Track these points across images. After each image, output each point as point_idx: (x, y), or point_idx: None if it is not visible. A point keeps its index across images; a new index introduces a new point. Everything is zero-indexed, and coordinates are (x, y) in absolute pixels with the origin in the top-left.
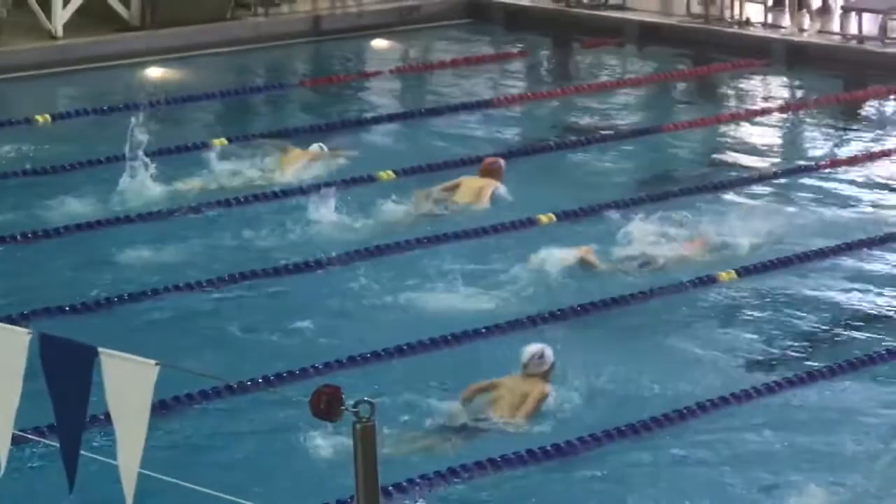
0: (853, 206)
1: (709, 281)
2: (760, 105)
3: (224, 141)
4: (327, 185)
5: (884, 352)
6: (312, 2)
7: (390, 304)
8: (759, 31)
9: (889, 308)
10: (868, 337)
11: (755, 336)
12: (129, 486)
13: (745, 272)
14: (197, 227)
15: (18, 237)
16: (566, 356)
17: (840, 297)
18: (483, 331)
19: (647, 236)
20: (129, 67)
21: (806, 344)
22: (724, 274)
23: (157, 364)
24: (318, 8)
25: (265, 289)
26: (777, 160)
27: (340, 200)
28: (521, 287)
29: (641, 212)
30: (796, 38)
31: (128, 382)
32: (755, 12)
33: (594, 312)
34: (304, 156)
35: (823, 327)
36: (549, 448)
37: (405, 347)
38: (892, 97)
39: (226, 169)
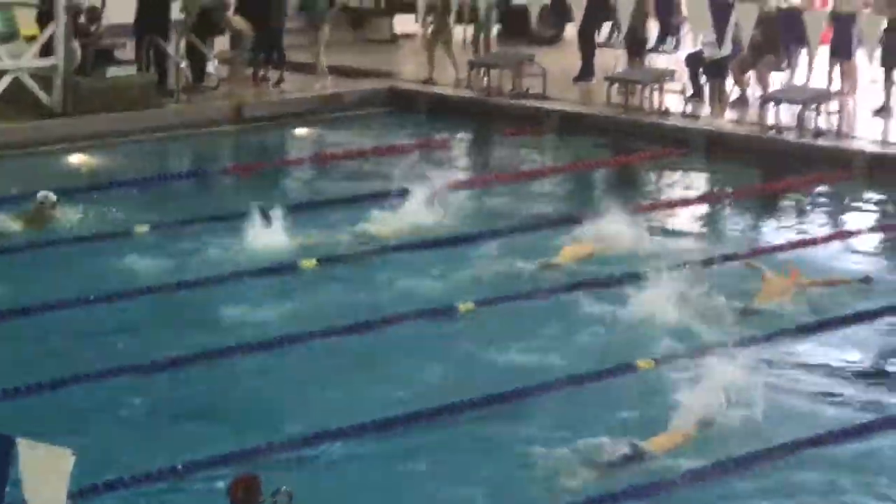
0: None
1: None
2: (679, 194)
3: (146, 228)
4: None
5: None
6: (235, 89)
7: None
8: (678, 121)
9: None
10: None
11: None
12: None
13: (662, 360)
14: (120, 313)
15: None
16: None
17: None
18: None
19: None
20: (50, 154)
21: None
22: (641, 362)
23: (73, 454)
24: (240, 95)
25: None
26: (696, 248)
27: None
28: None
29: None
30: (714, 128)
31: (44, 471)
32: (674, 102)
33: None
34: None
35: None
36: None
37: None
38: (808, 187)
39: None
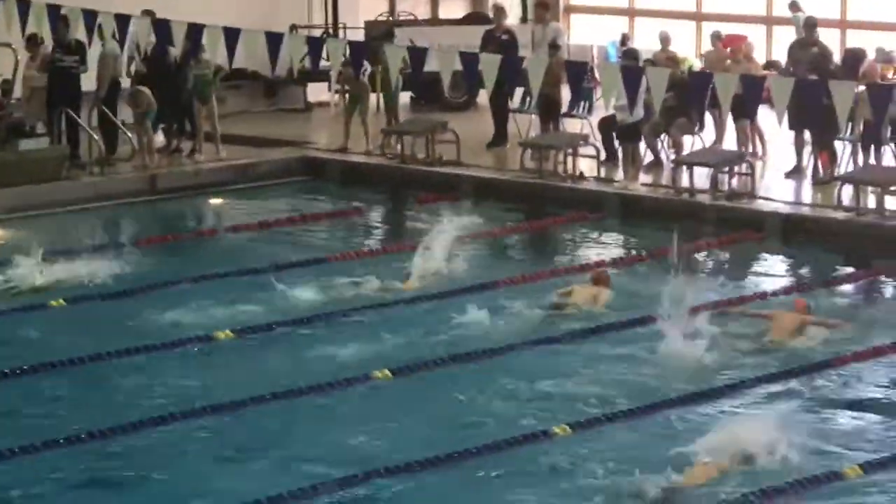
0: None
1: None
2: (595, 257)
3: (62, 301)
4: None
5: None
6: (149, 160)
7: None
8: (593, 185)
9: None
10: None
11: None
12: None
13: (578, 426)
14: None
15: None
16: None
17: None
18: None
19: None
20: None
21: None
22: (557, 429)
23: None
24: (154, 166)
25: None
26: (611, 311)
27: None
28: None
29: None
30: (629, 192)
31: None
32: (588, 167)
33: None
34: None
35: None
36: None
37: None
38: (722, 248)
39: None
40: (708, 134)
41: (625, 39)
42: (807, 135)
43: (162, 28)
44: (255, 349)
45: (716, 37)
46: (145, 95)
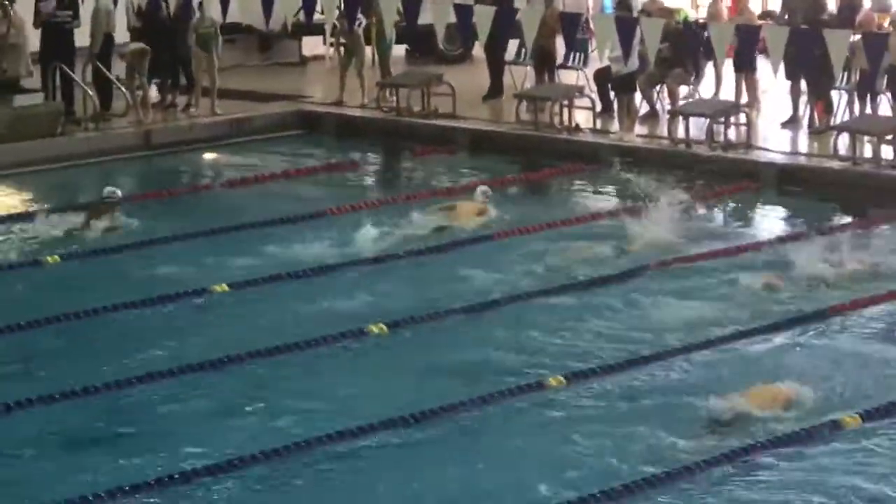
0: (683, 306)
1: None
2: (592, 209)
3: (56, 258)
4: None
5: None
6: (143, 116)
7: None
8: (589, 137)
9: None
10: None
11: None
12: None
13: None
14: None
15: None
16: None
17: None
18: None
19: None
20: None
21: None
22: (553, 379)
23: None
24: (149, 122)
25: None
26: (610, 263)
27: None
28: None
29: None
30: (625, 143)
31: None
32: (584, 118)
33: None
34: None
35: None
36: None
37: None
38: (718, 198)
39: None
40: (706, 84)
41: None
42: (803, 85)
43: None
44: (253, 303)
45: None
46: (135, 48)
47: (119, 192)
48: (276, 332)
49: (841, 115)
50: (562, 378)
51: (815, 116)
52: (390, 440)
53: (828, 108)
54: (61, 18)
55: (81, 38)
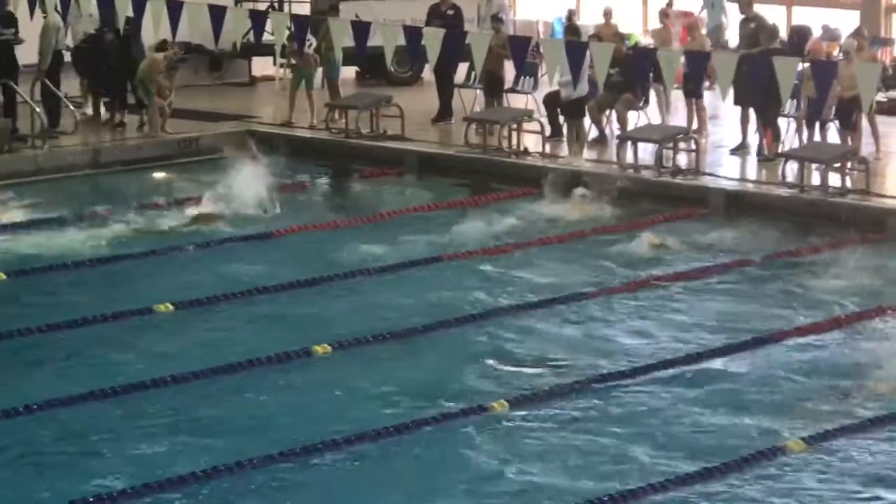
0: (630, 333)
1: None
2: (538, 232)
3: (2, 276)
4: None
5: None
6: (91, 134)
7: None
8: (538, 161)
9: None
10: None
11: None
12: None
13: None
14: None
15: None
16: None
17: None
18: None
19: None
20: None
21: None
22: (496, 405)
23: None
24: (97, 140)
25: None
26: (552, 286)
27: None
28: None
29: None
30: (573, 167)
31: None
32: (532, 142)
33: None
34: None
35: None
36: None
37: None
38: (666, 224)
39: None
40: (654, 110)
41: (571, 15)
42: (752, 111)
43: (105, 1)
44: (196, 322)
45: (663, 14)
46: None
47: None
48: (219, 350)
49: (789, 142)
50: (504, 402)
51: (764, 143)
52: (333, 459)
53: (776, 136)
54: (7, 35)
55: (30, 55)
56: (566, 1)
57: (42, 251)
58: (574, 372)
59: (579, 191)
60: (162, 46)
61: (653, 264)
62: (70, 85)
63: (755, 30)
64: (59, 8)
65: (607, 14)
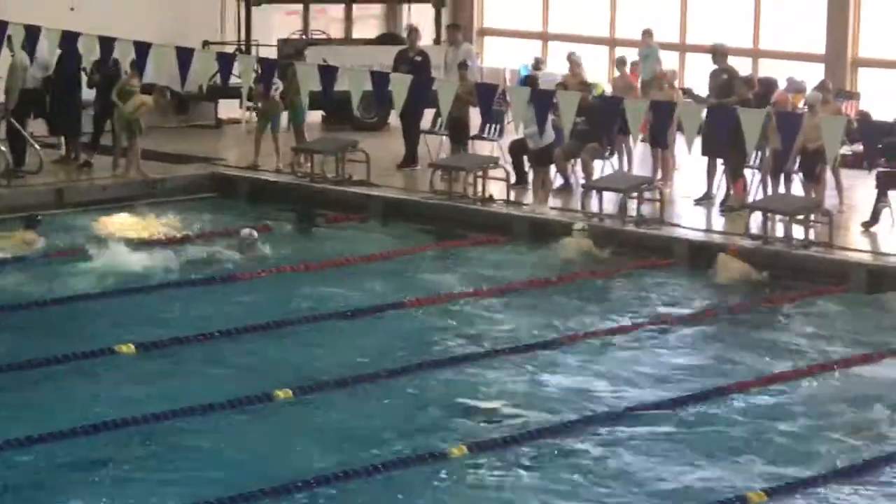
0: (599, 378)
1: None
2: (504, 279)
3: None
4: None
5: None
6: (57, 175)
7: None
8: (502, 208)
9: None
10: None
11: None
12: None
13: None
14: None
15: None
16: None
17: None
18: None
19: None
20: None
21: None
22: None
23: None
24: (62, 180)
25: None
26: (521, 334)
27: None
28: None
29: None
30: (538, 215)
31: None
32: (498, 189)
33: None
34: None
35: None
36: None
37: None
38: (630, 271)
39: None
40: (621, 159)
41: (538, 63)
42: (719, 162)
43: (70, 40)
44: (160, 364)
45: (621, 62)
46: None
47: (255, 234)
48: (180, 393)
49: (754, 193)
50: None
51: (731, 194)
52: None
53: (744, 186)
54: None
55: None
56: (532, 49)
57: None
58: (537, 418)
59: (578, 225)
60: (147, 90)
61: (616, 311)
62: (36, 124)
63: (727, 80)
64: (26, 47)
65: (574, 63)
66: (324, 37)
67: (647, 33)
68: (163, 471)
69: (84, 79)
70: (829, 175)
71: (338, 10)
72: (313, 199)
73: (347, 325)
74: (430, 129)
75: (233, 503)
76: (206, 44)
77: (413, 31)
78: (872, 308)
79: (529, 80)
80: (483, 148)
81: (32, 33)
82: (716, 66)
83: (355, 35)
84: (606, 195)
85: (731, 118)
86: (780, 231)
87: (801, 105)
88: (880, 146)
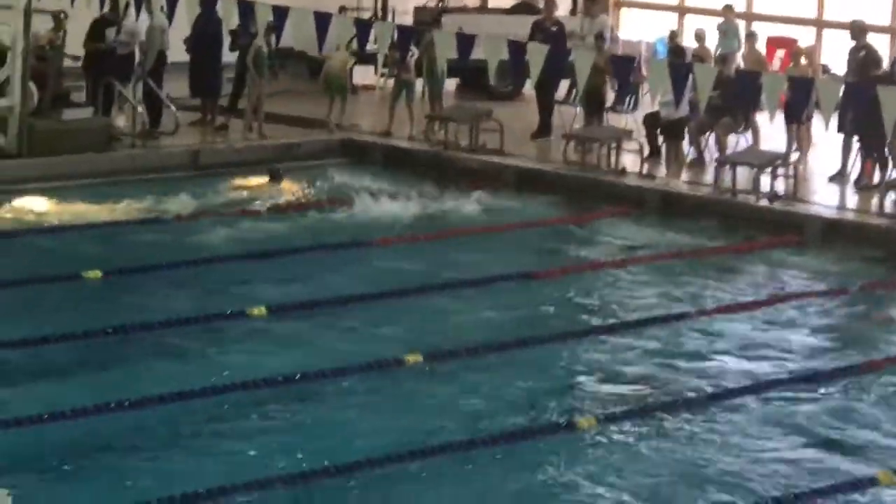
0: (729, 354)
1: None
2: (634, 252)
3: (98, 273)
4: None
5: None
6: (193, 136)
7: None
8: (635, 181)
9: None
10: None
11: None
12: None
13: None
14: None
15: None
16: None
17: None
18: None
19: None
20: (3, 194)
21: None
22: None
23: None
24: (197, 142)
25: None
26: (651, 307)
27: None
28: None
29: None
30: (670, 189)
31: None
32: (631, 162)
33: None
34: None
35: None
36: None
37: None
38: (760, 250)
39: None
40: (756, 134)
41: (673, 36)
42: (855, 139)
43: (209, 3)
44: (292, 329)
45: (750, 36)
46: None
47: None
48: (326, 357)
49: (889, 171)
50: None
51: (865, 172)
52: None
53: (882, 164)
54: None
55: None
56: (668, 22)
57: (138, 251)
58: (665, 390)
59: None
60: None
61: (747, 287)
62: (170, 86)
63: (865, 58)
64: (164, 9)
65: (699, 37)
66: (460, 5)
67: (728, 8)
68: (291, 433)
69: (226, 42)
70: None
71: None
72: (446, 167)
73: (476, 293)
74: (564, 100)
75: (354, 468)
76: (342, 9)
77: (550, 1)
78: None
79: (677, 50)
80: (617, 120)
81: None
82: (854, 43)
83: (491, 4)
84: (739, 170)
85: (869, 96)
86: None
87: None
88: None
